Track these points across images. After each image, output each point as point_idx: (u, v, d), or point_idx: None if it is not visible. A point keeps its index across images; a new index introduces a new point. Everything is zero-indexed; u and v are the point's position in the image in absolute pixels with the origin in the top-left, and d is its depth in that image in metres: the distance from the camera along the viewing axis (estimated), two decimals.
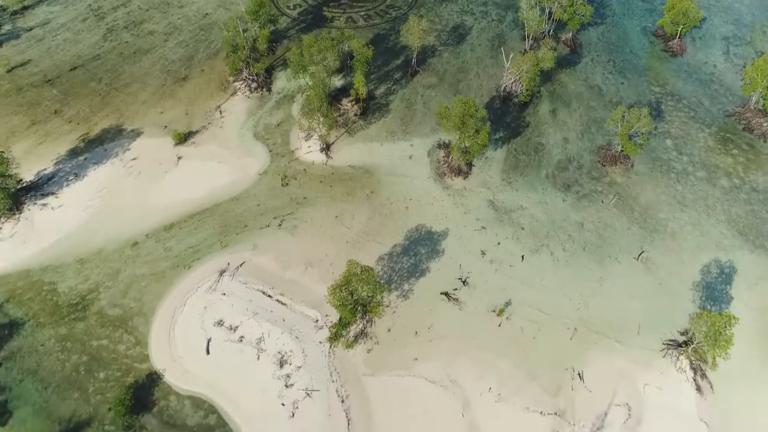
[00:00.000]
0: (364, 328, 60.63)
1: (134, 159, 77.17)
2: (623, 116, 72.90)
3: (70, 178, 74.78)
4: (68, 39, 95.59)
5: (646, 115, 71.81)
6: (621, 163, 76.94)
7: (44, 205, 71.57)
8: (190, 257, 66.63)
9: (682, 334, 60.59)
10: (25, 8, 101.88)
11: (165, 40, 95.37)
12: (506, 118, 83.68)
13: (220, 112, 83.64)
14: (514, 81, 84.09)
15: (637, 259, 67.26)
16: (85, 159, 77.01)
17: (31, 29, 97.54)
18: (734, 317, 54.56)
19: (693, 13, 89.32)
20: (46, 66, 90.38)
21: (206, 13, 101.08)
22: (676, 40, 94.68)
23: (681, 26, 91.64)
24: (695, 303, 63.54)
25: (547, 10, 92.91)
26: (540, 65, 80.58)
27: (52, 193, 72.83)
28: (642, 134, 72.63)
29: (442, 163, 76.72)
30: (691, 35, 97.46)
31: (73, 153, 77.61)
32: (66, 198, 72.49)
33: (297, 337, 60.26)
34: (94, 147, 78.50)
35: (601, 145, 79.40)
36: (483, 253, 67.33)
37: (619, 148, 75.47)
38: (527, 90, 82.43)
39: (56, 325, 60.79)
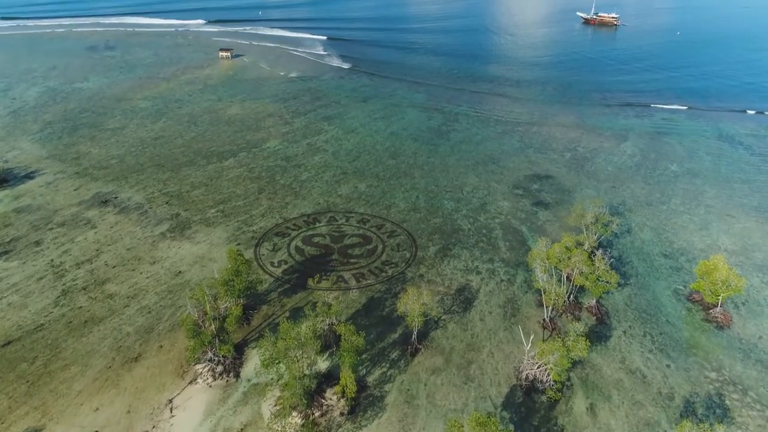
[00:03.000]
0: None
1: None
2: None
3: None
4: (13, 303, 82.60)
5: None
6: None
7: None
8: None
9: None
10: None
11: (125, 305, 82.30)
12: (533, 418, 65.79)
13: (171, 409, 66.04)
14: (538, 367, 68.54)
15: None
16: None
17: None
18: None
19: (735, 281, 77.72)
20: None
21: (179, 271, 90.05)
22: (718, 309, 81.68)
23: (721, 294, 79.39)
24: None
25: (564, 275, 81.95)
26: (571, 355, 65.64)
27: None
28: None
29: None
30: (732, 299, 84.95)
31: None
32: None
33: None
34: None
35: None
36: None
37: None
38: (557, 384, 66.29)
39: None
